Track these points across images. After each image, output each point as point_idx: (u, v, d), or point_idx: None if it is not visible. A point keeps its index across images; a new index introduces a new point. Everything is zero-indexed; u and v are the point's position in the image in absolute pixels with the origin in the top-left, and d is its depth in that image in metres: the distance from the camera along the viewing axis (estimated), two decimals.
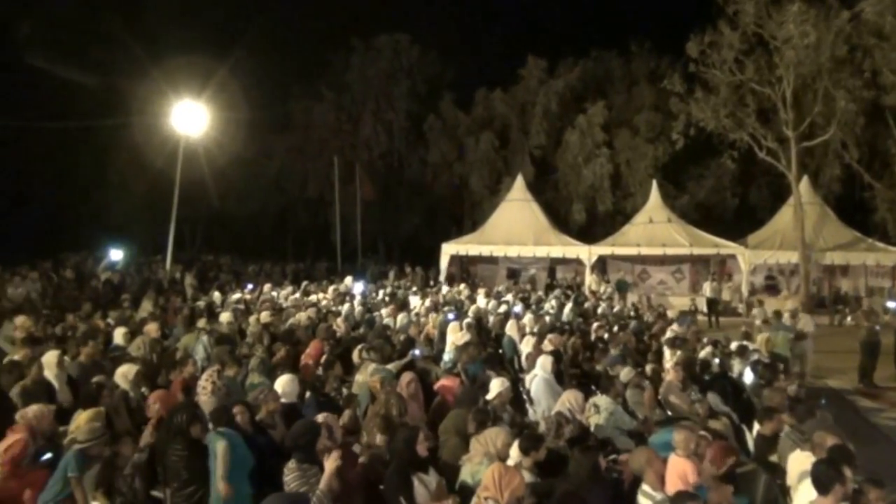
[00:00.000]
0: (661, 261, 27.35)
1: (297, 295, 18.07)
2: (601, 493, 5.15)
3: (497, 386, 7.17)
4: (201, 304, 15.43)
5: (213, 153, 28.83)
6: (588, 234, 30.70)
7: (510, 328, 12.43)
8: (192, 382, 7.67)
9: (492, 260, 29.05)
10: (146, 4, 36.08)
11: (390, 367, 8.44)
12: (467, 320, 12.43)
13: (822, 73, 23.02)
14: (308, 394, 7.60)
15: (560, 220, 32.32)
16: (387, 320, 13.60)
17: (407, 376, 7.57)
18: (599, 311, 17.62)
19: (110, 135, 32.29)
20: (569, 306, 16.82)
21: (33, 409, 6.00)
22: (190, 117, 22.62)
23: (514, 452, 5.42)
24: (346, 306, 15.23)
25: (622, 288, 24.61)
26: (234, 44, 32.66)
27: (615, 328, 13.46)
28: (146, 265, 26.43)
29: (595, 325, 13.76)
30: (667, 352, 10.93)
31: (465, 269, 29.35)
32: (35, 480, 5.60)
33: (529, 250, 26.85)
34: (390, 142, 40.83)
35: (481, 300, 17.47)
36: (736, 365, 10.24)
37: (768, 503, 5.54)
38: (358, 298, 17.40)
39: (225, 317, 12.47)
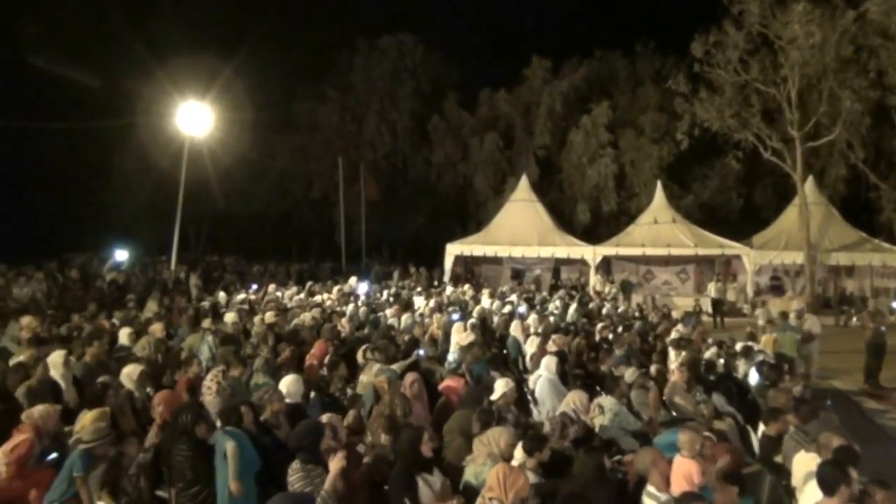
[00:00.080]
0: (666, 261, 27.32)
1: (302, 295, 18.08)
2: (606, 493, 5.14)
3: (501, 386, 7.17)
4: (206, 304, 15.46)
5: (217, 154, 28.86)
6: (592, 235, 30.66)
7: (514, 329, 12.42)
8: (196, 383, 7.69)
9: (496, 260, 29.06)
10: (151, 5, 36.22)
11: (394, 367, 8.43)
12: (472, 321, 12.43)
13: (828, 73, 22.97)
14: (313, 394, 7.62)
15: (564, 220, 32.34)
16: (391, 321, 13.59)
17: (410, 377, 7.58)
18: (604, 311, 17.61)
19: (115, 135, 32.35)
20: (573, 307, 16.80)
21: (39, 410, 6.02)
22: (195, 118, 22.62)
23: (519, 453, 5.42)
24: (351, 307, 15.26)
25: (627, 288, 24.58)
26: (239, 44, 32.71)
27: (620, 329, 13.42)
28: (151, 265, 26.48)
29: (600, 325, 13.75)
30: (672, 352, 10.91)
31: (469, 269, 29.34)
32: (41, 480, 5.62)
33: (534, 251, 26.82)
34: (394, 142, 40.82)
35: (486, 300, 17.48)
36: (741, 366, 10.21)
37: None
38: (362, 299, 17.44)
39: (229, 317, 12.48)
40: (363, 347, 9.47)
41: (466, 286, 22.02)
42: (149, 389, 7.59)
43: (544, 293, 22.57)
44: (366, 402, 7.29)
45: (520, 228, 27.16)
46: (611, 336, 12.60)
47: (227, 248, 38.77)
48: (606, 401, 7.45)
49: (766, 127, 24.76)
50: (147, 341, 10.07)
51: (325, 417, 5.87)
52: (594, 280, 25.37)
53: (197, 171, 26.06)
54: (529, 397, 8.95)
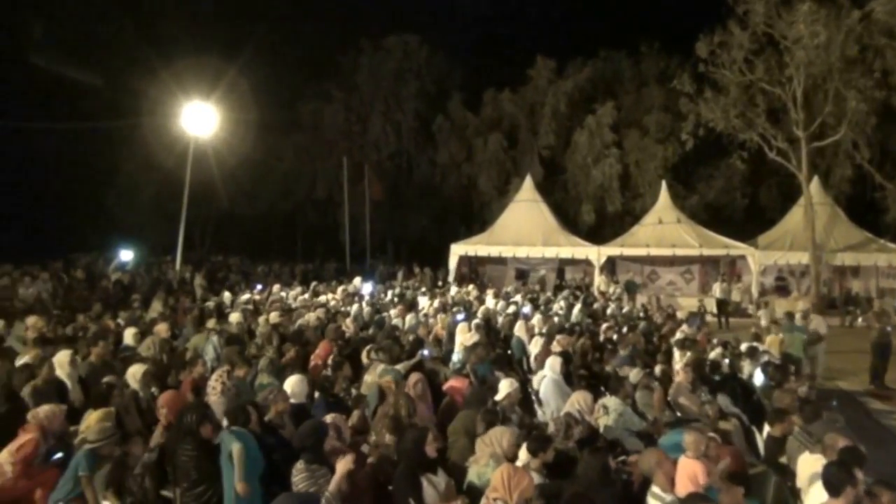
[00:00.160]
0: (671, 261, 27.28)
1: (307, 295, 18.11)
2: (610, 494, 5.14)
3: (506, 387, 7.17)
4: (211, 304, 15.49)
5: (222, 154, 28.96)
6: (597, 235, 30.64)
7: (519, 329, 12.41)
8: (201, 383, 7.71)
9: (500, 261, 29.06)
10: (156, 6, 36.29)
11: (399, 367, 8.43)
12: (476, 321, 12.42)
13: (833, 73, 22.88)
14: (317, 394, 7.62)
15: (569, 220, 32.27)
16: (395, 321, 13.62)
17: (414, 377, 7.58)
18: (608, 311, 17.60)
19: (121, 136, 32.55)
20: (578, 307, 16.79)
21: (45, 409, 6.05)
22: (199, 118, 22.73)
23: (523, 453, 5.42)
24: (355, 307, 15.28)
25: (631, 289, 24.51)
26: (244, 45, 32.81)
27: (624, 329, 13.40)
28: (156, 266, 26.52)
29: (604, 325, 13.74)
30: (676, 353, 10.90)
31: (473, 269, 29.34)
32: (46, 480, 5.65)
33: (538, 251, 26.79)
34: (399, 142, 40.83)
35: (490, 301, 17.47)
36: (746, 366, 10.17)
37: None
38: (367, 299, 17.44)
39: (234, 317, 12.50)
40: (367, 348, 9.48)
41: (471, 286, 22.01)
42: (154, 389, 7.61)
43: (549, 293, 22.55)
44: (370, 403, 7.29)
45: (524, 229, 27.13)
46: (615, 336, 12.58)
47: (231, 248, 38.78)
48: (611, 401, 7.44)
49: (771, 127, 24.67)
50: (152, 341, 10.10)
51: (329, 418, 5.88)
52: (599, 280, 25.31)
53: (202, 172, 26.16)
54: (534, 398, 8.94)
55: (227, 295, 17.58)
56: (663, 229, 25.91)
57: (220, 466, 5.40)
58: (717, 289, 23.03)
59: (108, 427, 5.78)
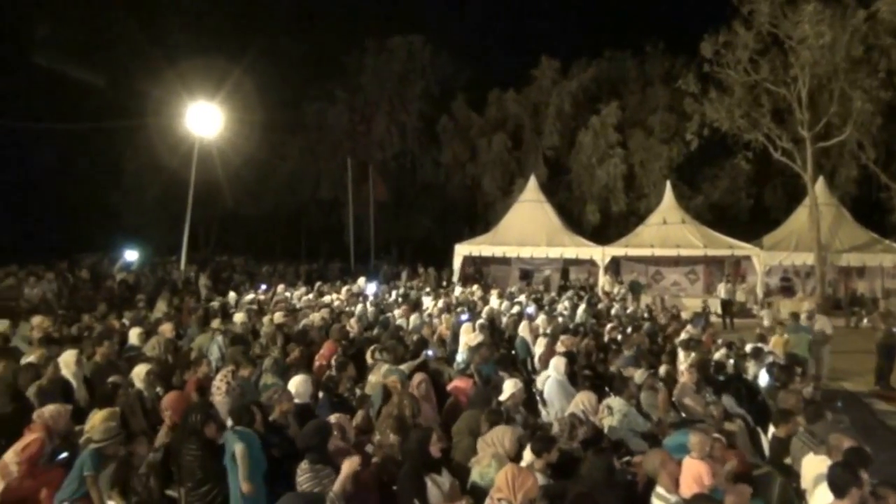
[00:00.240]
0: (675, 262, 27.25)
1: (311, 295, 18.12)
2: (615, 495, 5.13)
3: (510, 387, 7.16)
4: (215, 304, 15.52)
5: (227, 154, 29.02)
6: (601, 235, 30.64)
7: (523, 329, 12.40)
8: (206, 382, 7.72)
9: (505, 261, 29.05)
10: (161, 7, 36.35)
11: (403, 367, 8.44)
12: (480, 321, 12.42)
13: (838, 73, 22.84)
14: (321, 394, 7.63)
15: (573, 220, 32.29)
16: (400, 321, 13.61)
17: (418, 377, 7.57)
18: (613, 312, 17.55)
19: (125, 136, 32.65)
20: (582, 307, 16.77)
21: (50, 409, 6.05)
22: (204, 119, 22.76)
23: (527, 454, 5.41)
24: (360, 307, 15.27)
25: (636, 289, 24.48)
26: (248, 46, 32.94)
27: (629, 329, 13.37)
28: (161, 266, 26.59)
29: (608, 326, 13.70)
30: (681, 353, 10.87)
31: (478, 269, 29.33)
32: (51, 479, 5.65)
33: (542, 251, 26.77)
34: (403, 143, 40.85)
35: (494, 301, 17.46)
36: (751, 367, 10.15)
37: None
38: (371, 299, 17.44)
39: (239, 317, 12.51)
40: (372, 348, 9.47)
41: (475, 287, 22.01)
42: (158, 389, 7.62)
43: (553, 294, 22.56)
44: (374, 403, 7.29)
45: (528, 229, 27.12)
46: (620, 337, 12.54)
47: (236, 248, 38.91)
48: (615, 402, 7.43)
49: (776, 127, 24.64)
50: (157, 341, 10.12)
51: (333, 418, 5.88)
52: (603, 281, 25.29)
53: (207, 172, 26.20)
54: (538, 398, 8.93)
55: (231, 295, 17.60)
56: (668, 230, 25.88)
57: (224, 466, 5.40)
58: (721, 289, 22.99)
59: (112, 427, 5.78)
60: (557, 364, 8.78)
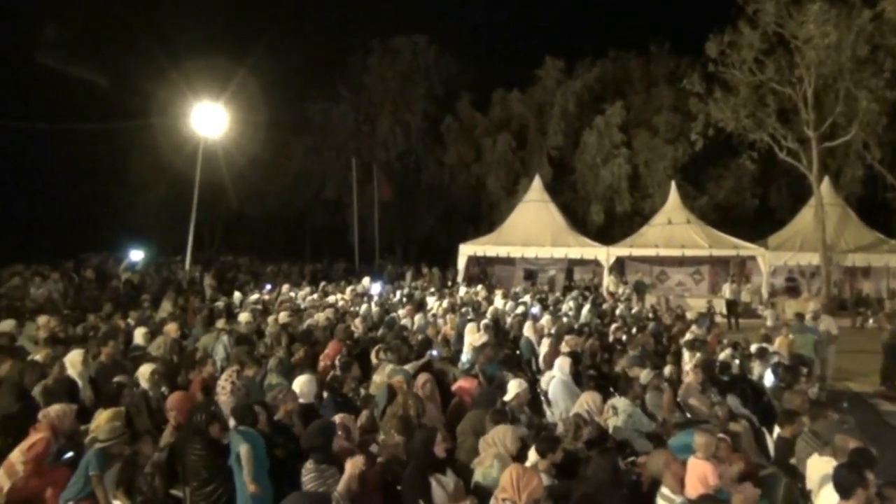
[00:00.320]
0: (680, 262, 27.20)
1: (315, 295, 18.14)
2: (619, 495, 5.13)
3: (515, 387, 7.17)
4: (220, 304, 15.53)
5: (231, 154, 29.03)
6: (606, 236, 30.58)
7: (528, 329, 12.40)
8: (211, 382, 7.74)
9: (509, 261, 29.03)
10: (165, 6, 36.44)
11: (407, 367, 8.44)
12: (485, 321, 12.41)
13: (844, 73, 22.77)
14: (326, 394, 7.64)
15: (578, 221, 32.23)
16: (404, 321, 13.61)
17: (422, 377, 7.58)
18: (617, 312, 17.54)
19: (130, 136, 32.70)
20: (587, 307, 16.74)
21: (55, 409, 6.08)
22: (209, 119, 22.80)
23: (532, 454, 5.41)
24: (364, 307, 15.30)
25: (640, 289, 24.43)
26: (253, 46, 32.90)
27: (633, 330, 13.36)
28: (166, 266, 26.63)
29: (613, 326, 13.69)
30: (686, 354, 10.86)
31: (482, 270, 29.33)
32: (57, 479, 5.67)
33: (547, 251, 26.76)
34: (408, 143, 40.78)
35: (499, 301, 17.46)
36: (756, 367, 10.14)
37: None
38: (375, 299, 17.45)
39: (243, 317, 12.52)
40: (376, 348, 9.49)
41: (479, 287, 22.00)
42: (164, 389, 7.64)
43: (557, 294, 22.52)
44: (379, 403, 7.30)
45: (533, 229, 27.10)
46: (624, 337, 12.56)
47: (241, 248, 38.90)
48: (620, 402, 7.43)
49: (781, 127, 24.55)
50: (162, 341, 10.14)
51: (338, 417, 5.89)
52: (608, 281, 25.24)
53: (211, 172, 26.25)
54: (542, 398, 8.93)
55: (236, 295, 17.62)
56: (673, 230, 25.83)
57: (230, 466, 5.41)
58: (726, 289, 22.94)
59: (118, 426, 5.80)
60: (562, 364, 8.78)
